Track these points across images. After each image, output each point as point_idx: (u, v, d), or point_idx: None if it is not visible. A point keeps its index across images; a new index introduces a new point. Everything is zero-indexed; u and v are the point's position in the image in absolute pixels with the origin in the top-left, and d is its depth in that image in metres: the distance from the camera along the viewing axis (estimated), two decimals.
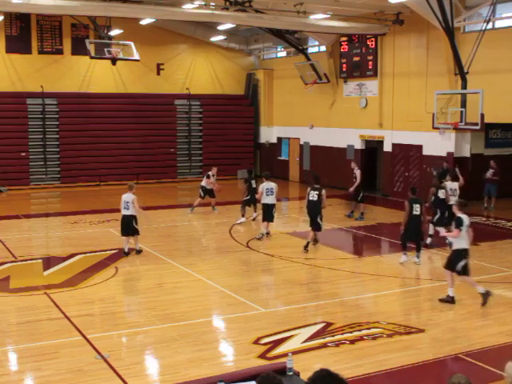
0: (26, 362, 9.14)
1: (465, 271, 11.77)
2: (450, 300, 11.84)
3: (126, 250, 15.56)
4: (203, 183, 21.72)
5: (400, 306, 11.99)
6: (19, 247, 16.64)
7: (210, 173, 21.88)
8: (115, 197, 26.07)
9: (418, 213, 14.70)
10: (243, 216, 19.78)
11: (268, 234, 17.76)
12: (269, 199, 17.48)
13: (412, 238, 14.92)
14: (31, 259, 15.44)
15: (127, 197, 15.43)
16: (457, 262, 11.72)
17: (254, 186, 19.81)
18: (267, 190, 17.46)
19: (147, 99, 31.11)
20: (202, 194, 21.64)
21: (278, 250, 16.55)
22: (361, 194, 20.50)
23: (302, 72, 29.23)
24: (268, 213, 17.47)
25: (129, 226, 15.48)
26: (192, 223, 20.67)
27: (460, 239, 11.73)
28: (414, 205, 14.74)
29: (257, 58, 34.39)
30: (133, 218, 15.43)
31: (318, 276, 14.15)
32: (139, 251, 15.69)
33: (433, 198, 16.76)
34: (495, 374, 8.28)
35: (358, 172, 20.57)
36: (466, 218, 11.79)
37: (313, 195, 16.15)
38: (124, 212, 15.46)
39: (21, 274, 14.34)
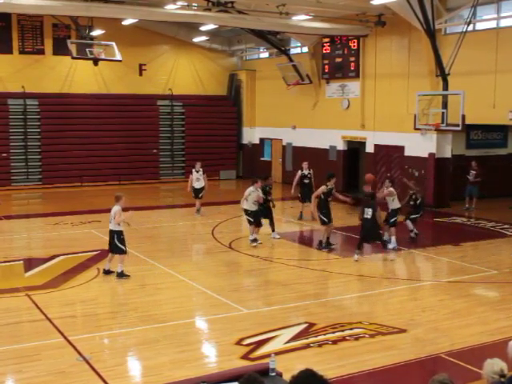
0: (7, 364, 9.06)
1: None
2: None
3: (106, 268, 13.89)
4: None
5: (382, 307, 12.03)
6: (0, 249, 16.50)
7: (193, 169, 21.75)
8: (97, 198, 26.17)
9: (369, 217, 15.18)
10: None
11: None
12: None
13: (367, 239, 15.62)
14: (12, 261, 15.31)
15: (112, 209, 13.62)
16: None
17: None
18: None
19: (129, 100, 30.98)
20: (193, 195, 21.62)
21: (260, 250, 16.55)
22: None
23: (285, 73, 29.26)
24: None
25: (110, 243, 13.70)
26: (174, 224, 20.60)
27: None
28: (365, 209, 15.27)
29: (239, 58, 34.37)
30: (114, 233, 13.55)
31: (301, 277, 14.15)
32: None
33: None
34: (477, 373, 8.33)
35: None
36: None
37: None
38: (109, 226, 13.75)
39: (1, 276, 14.24)
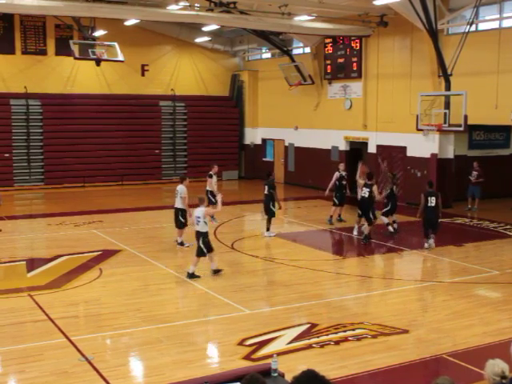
0: (10, 364, 9.09)
1: None
2: None
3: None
4: (208, 187, 20.07)
5: (384, 307, 12.03)
6: (3, 249, 16.52)
7: (211, 172, 20.38)
8: (100, 198, 26.20)
9: (433, 205, 16.01)
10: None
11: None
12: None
13: (429, 226, 16.40)
14: (15, 261, 15.33)
15: (196, 211, 13.79)
16: None
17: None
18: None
19: (132, 100, 31.00)
20: (213, 200, 19.23)
21: (262, 251, 16.57)
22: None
23: (287, 73, 29.26)
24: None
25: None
26: None
27: None
28: (429, 197, 16.03)
29: (241, 59, 34.38)
30: (200, 235, 13.64)
31: (303, 277, 14.15)
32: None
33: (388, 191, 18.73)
34: (479, 374, 8.32)
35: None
36: None
37: (365, 192, 17.30)
38: (196, 228, 13.85)
39: (4, 276, 14.27)
